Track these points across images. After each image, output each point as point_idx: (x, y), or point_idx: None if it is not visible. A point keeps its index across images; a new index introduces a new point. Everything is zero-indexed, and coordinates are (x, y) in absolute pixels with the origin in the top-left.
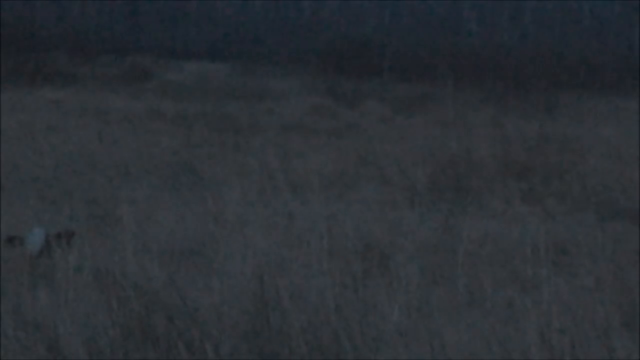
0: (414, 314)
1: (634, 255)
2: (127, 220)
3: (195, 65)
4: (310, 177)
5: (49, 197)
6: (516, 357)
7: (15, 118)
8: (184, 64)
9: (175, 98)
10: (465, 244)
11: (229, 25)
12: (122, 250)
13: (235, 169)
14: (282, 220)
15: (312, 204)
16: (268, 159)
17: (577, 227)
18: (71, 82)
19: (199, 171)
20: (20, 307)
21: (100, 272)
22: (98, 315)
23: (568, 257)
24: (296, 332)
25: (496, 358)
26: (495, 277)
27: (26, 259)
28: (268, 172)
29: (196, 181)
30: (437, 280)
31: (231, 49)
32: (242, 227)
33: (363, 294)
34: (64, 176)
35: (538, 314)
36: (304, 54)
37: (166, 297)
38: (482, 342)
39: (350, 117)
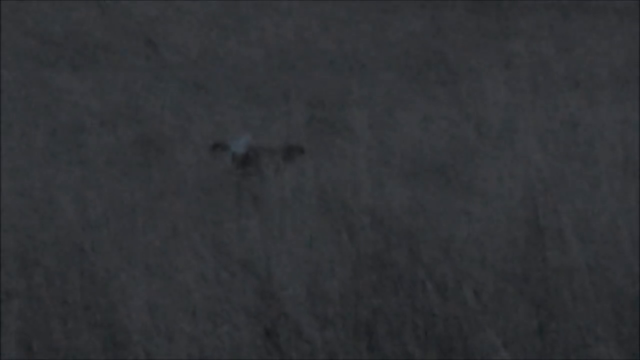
0: None
1: None
2: (360, 127)
3: None
4: (597, 70)
5: (260, 97)
6: None
7: None
8: None
9: None
10: None
11: None
12: (353, 167)
13: (500, 61)
14: (561, 127)
15: (600, 105)
16: (541, 47)
17: None
18: None
19: (453, 63)
20: (224, 241)
21: (326, 194)
22: (323, 250)
23: None
24: (581, 271)
25: None
26: None
27: (230, 175)
28: (542, 64)
29: (449, 76)
30: None
31: None
32: (510, 135)
33: None
34: (278, 71)
35: None
36: None
37: (410, 225)
38: None
39: None
